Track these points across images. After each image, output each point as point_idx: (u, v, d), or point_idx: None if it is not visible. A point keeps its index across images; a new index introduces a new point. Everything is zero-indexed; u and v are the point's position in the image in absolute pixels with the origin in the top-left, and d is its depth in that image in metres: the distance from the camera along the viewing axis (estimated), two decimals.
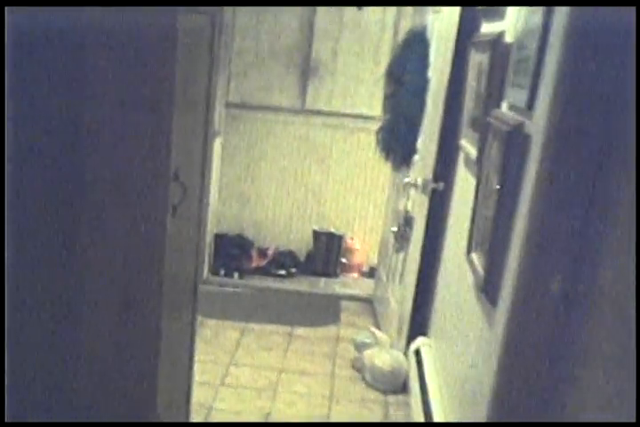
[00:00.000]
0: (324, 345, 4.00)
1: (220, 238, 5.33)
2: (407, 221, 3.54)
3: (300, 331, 4.18)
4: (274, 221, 5.52)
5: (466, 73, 3.18)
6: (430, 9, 3.71)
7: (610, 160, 1.79)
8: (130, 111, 1.97)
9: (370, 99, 5.30)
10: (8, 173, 1.92)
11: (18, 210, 1.99)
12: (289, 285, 5.08)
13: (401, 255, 3.74)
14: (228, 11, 4.94)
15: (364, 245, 5.46)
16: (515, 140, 2.15)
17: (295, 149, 5.38)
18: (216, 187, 5.20)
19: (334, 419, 3.25)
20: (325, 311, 4.55)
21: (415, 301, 3.58)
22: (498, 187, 2.25)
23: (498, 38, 2.61)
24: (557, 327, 1.94)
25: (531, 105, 2.11)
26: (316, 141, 5.37)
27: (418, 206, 3.48)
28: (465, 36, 3.32)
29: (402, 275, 3.74)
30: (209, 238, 5.02)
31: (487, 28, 3.07)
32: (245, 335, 4.05)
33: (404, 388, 3.53)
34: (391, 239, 3.91)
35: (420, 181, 3.44)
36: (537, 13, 2.17)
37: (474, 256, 2.58)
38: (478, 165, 2.65)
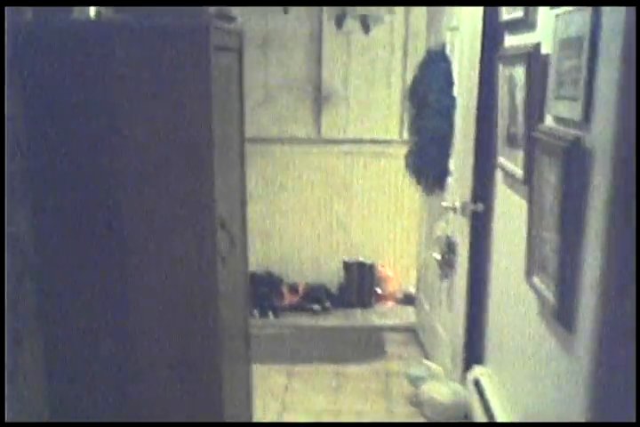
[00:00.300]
0: (376, 382, 3.84)
1: (249, 278, 5.19)
2: (450, 247, 3.40)
3: (347, 368, 4.02)
4: (301, 255, 5.39)
5: (495, 89, 3.06)
6: (446, 27, 3.61)
7: None
8: (170, 158, 1.87)
9: (385, 122, 5.21)
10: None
11: (71, 265, 1.91)
12: (326, 320, 4.93)
13: (446, 282, 3.59)
14: None
15: (395, 271, 5.32)
16: (574, 156, 2.02)
17: (315, 179, 5.26)
18: None
19: None
20: (369, 345, 4.40)
21: (467, 329, 3.43)
22: (559, 207, 2.11)
23: (534, 50, 2.49)
24: None
25: (587, 117, 1.98)
26: (335, 170, 5.25)
27: (459, 230, 3.34)
28: (488, 52, 3.21)
29: (449, 302, 3.60)
30: None
31: (513, 40, 2.96)
32: (292, 378, 3.90)
33: (465, 420, 3.36)
34: (434, 267, 3.76)
35: (458, 203, 3.31)
36: (578, 22, 2.06)
37: (536, 280, 2.44)
38: (528, 185, 2.52)
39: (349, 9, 4.98)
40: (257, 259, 5.31)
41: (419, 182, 3.76)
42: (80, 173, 1.89)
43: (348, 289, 5.26)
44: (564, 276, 2.13)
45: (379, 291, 5.27)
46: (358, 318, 4.99)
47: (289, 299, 5.20)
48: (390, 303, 5.28)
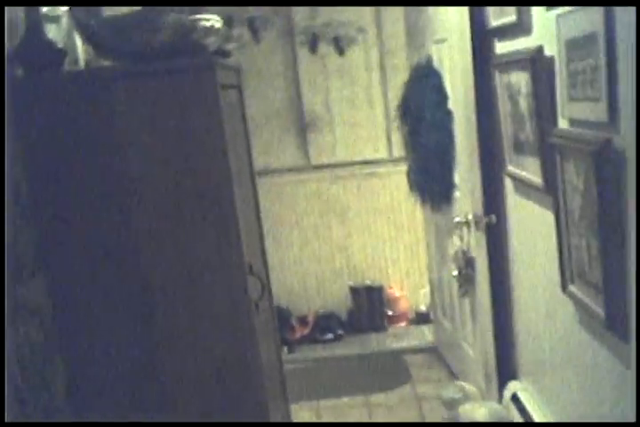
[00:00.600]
0: (408, 408, 3.73)
1: None
2: (467, 263, 3.31)
3: (375, 398, 3.90)
4: (306, 285, 5.28)
5: (494, 97, 3.00)
6: (431, 40, 3.55)
7: None
8: (189, 203, 1.77)
9: (373, 142, 5.15)
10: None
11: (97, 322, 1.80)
12: (341, 348, 4.81)
13: (467, 299, 3.50)
14: None
15: (404, 291, 5.22)
16: (605, 159, 1.94)
17: (310, 206, 5.17)
18: None
19: None
20: (392, 370, 4.28)
21: (497, 344, 3.33)
22: (596, 212, 2.02)
23: (536, 54, 2.42)
24: None
25: (614, 118, 1.91)
26: (329, 195, 5.17)
27: (475, 245, 3.25)
28: (479, 61, 3.15)
29: (473, 319, 3.50)
30: None
31: (506, 47, 2.89)
32: (323, 414, 3.78)
33: None
34: (449, 284, 3.67)
35: (470, 217, 3.22)
36: (587, 20, 1.99)
37: (575, 290, 2.35)
38: (550, 192, 2.43)
39: (321, 32, 4.93)
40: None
41: (424, 200, 3.68)
42: (98, 227, 1.79)
43: (359, 314, 5.15)
44: (610, 283, 2.04)
45: (390, 313, 5.16)
46: (373, 343, 4.88)
47: (300, 331, 5.08)
48: (403, 324, 5.17)
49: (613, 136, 1.92)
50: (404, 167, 4.02)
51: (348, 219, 5.19)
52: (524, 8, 2.59)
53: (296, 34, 4.95)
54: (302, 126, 5.07)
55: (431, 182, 3.50)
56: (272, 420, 2.13)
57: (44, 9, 2.03)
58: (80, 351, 1.91)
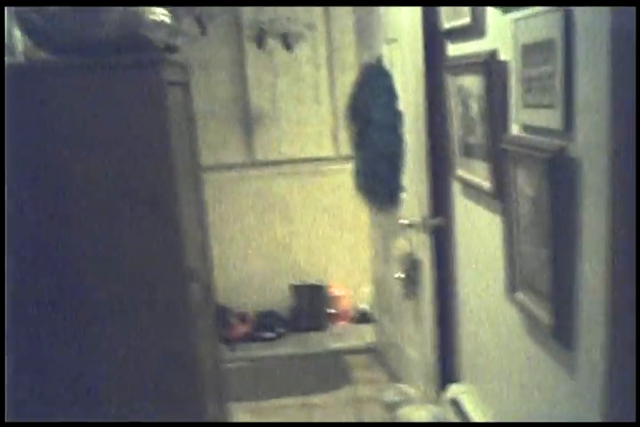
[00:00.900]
0: (347, 411, 3.69)
1: None
2: (413, 265, 3.28)
3: (315, 399, 3.86)
4: (248, 283, 5.20)
5: (445, 100, 2.97)
6: (382, 39, 3.51)
7: None
8: (130, 202, 1.69)
9: (319, 140, 5.10)
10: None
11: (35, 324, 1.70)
12: (281, 347, 4.75)
13: (411, 301, 3.48)
14: None
15: (345, 290, 5.19)
16: (558, 167, 1.92)
17: (254, 203, 5.10)
18: None
19: None
20: (332, 371, 4.25)
21: (439, 348, 3.32)
22: (547, 220, 2.01)
23: (490, 58, 2.40)
24: None
25: (569, 126, 1.89)
26: (273, 192, 5.10)
27: (421, 247, 3.23)
28: (430, 62, 3.13)
29: (416, 321, 3.48)
30: None
31: (459, 49, 2.87)
32: (259, 415, 3.72)
33: None
34: (392, 285, 3.64)
35: (417, 219, 3.20)
36: (545, 25, 1.97)
37: (521, 297, 2.34)
38: (500, 198, 2.42)
39: (269, 28, 4.86)
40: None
41: (370, 200, 3.64)
42: (33, 227, 1.69)
43: (300, 313, 5.11)
44: (558, 291, 2.02)
45: (331, 311, 5.13)
46: (314, 342, 4.83)
47: (239, 329, 5.01)
48: (344, 323, 5.15)
49: (568, 144, 1.91)
50: (349, 166, 3.99)
51: (292, 217, 5.14)
52: (479, 10, 2.57)
53: (244, 29, 4.86)
54: (248, 122, 4.99)
55: (378, 183, 3.47)
56: (209, 420, 2.07)
57: None
58: (18, 353, 1.82)
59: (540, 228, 2.09)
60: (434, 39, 3.12)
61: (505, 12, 2.31)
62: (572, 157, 1.89)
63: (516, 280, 2.38)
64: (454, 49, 2.94)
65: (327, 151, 5.07)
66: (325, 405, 3.79)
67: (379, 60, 3.51)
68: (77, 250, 1.69)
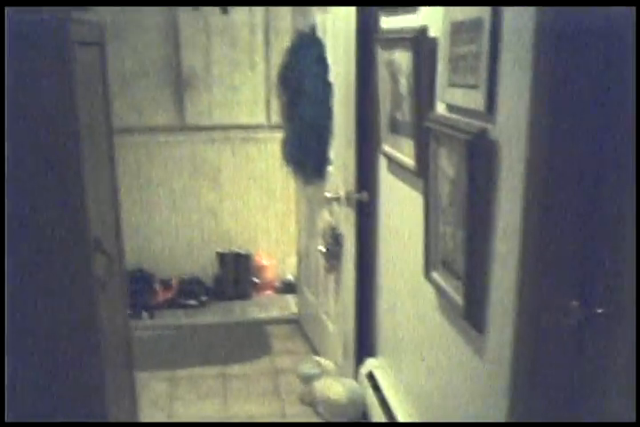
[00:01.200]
0: (265, 381, 3.68)
1: None
2: (335, 239, 3.26)
3: (233, 369, 3.84)
4: (173, 249, 5.11)
5: (375, 73, 2.93)
6: (315, 8, 3.43)
7: (609, 162, 1.57)
8: (33, 168, 1.60)
9: (252, 107, 4.99)
10: None
11: None
12: (204, 315, 4.70)
13: (333, 275, 3.46)
14: None
15: (272, 260, 5.15)
16: (478, 149, 1.90)
17: (182, 168, 4.98)
18: None
19: None
20: (253, 341, 4.22)
21: (357, 322, 3.32)
22: (464, 201, 2.00)
23: (421, 34, 2.36)
24: (573, 356, 1.72)
25: (490, 107, 1.87)
26: (203, 158, 5.00)
27: (344, 221, 3.20)
28: (364, 33, 3.07)
29: (336, 294, 3.47)
30: None
31: (392, 22, 2.82)
32: (176, 385, 3.68)
33: (363, 416, 3.26)
34: (316, 257, 3.62)
35: (342, 193, 3.17)
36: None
37: (436, 276, 2.34)
38: (423, 177, 2.40)
39: None
40: (126, 255, 5.00)
41: (297, 171, 3.59)
42: None
43: (225, 281, 5.05)
44: (471, 274, 2.02)
45: (256, 281, 5.09)
46: (237, 311, 4.79)
47: (163, 295, 4.93)
48: (269, 293, 5.11)
49: (489, 126, 1.89)
50: (281, 134, 3.92)
51: (221, 184, 5.05)
52: None
53: None
54: (179, 85, 4.86)
55: (305, 155, 3.42)
56: (113, 389, 2.01)
57: None
58: None
59: (458, 209, 2.08)
60: (368, 11, 3.06)
61: None
62: (491, 140, 1.87)
63: (433, 259, 2.38)
64: (387, 22, 2.89)
65: (259, 119, 4.98)
66: (243, 375, 3.77)
67: (312, 29, 3.44)
68: None
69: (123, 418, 2.45)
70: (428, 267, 2.41)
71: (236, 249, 5.07)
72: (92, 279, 1.70)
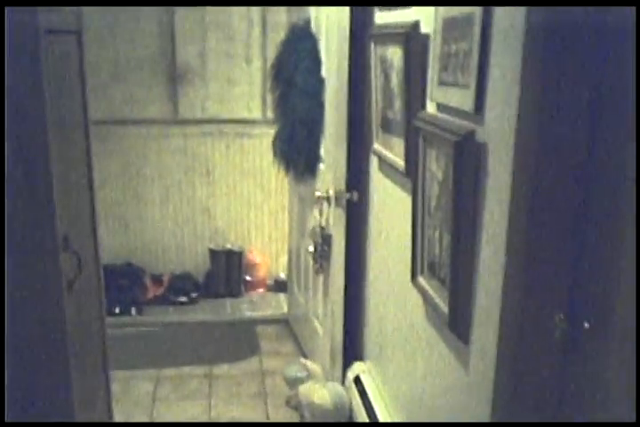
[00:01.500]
0: (250, 383, 3.60)
1: (107, 271, 4.77)
2: (324, 239, 3.17)
3: (219, 369, 3.76)
4: (164, 244, 5.03)
5: (368, 69, 2.84)
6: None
7: (599, 167, 1.48)
8: None
9: (247, 101, 4.90)
10: None
11: None
12: (194, 313, 4.62)
13: (321, 276, 3.38)
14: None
15: (264, 257, 5.07)
16: (465, 151, 1.82)
17: (175, 162, 4.90)
18: None
19: None
20: (241, 341, 4.14)
21: (345, 324, 3.23)
22: (450, 204, 1.91)
23: (412, 30, 2.27)
24: (558, 371, 1.63)
25: (479, 108, 1.78)
26: (196, 153, 4.91)
27: (334, 222, 3.12)
28: (359, 28, 2.98)
29: (325, 296, 3.39)
30: None
31: (386, 17, 2.73)
32: (160, 385, 3.60)
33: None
34: (307, 257, 3.53)
35: (332, 192, 3.08)
36: None
37: (422, 282, 2.25)
38: (411, 178, 2.31)
39: None
40: (116, 250, 4.93)
41: (287, 169, 3.50)
42: None
43: (216, 278, 4.97)
44: (456, 281, 1.94)
45: (248, 278, 5.01)
46: (228, 308, 4.71)
47: (153, 291, 4.86)
48: (261, 291, 5.03)
49: (477, 128, 1.80)
50: None
51: (214, 179, 4.97)
52: None
53: None
54: (173, 77, 4.77)
55: (296, 151, 3.33)
56: (84, 391, 1.94)
57: None
58: None
59: (444, 212, 1.99)
60: (363, 5, 2.97)
61: None
62: (479, 142, 1.79)
63: (419, 264, 2.29)
64: (382, 17, 2.80)
65: (254, 113, 4.89)
66: (229, 376, 3.69)
67: (307, 22, 3.35)
68: None
69: (96, 419, 2.37)
70: (415, 271, 2.33)
71: (228, 246, 4.99)
72: (58, 279, 1.61)
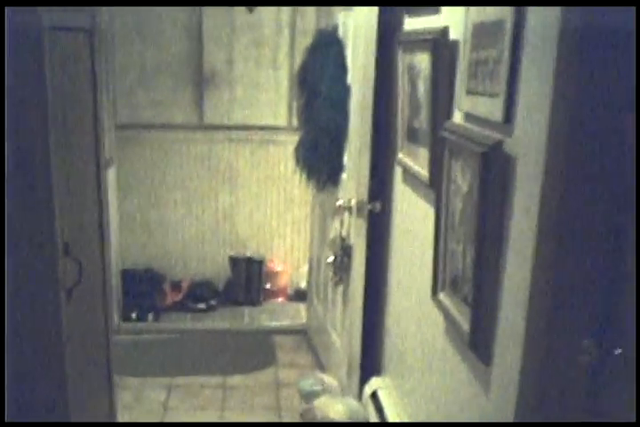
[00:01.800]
0: (265, 395, 3.52)
1: (127, 276, 4.74)
2: (344, 250, 3.09)
3: (233, 380, 3.68)
4: (185, 251, 4.98)
5: (395, 77, 2.76)
6: (339, 6, 3.27)
7: (636, 183, 1.38)
8: None
9: (274, 107, 4.85)
10: None
11: None
12: (211, 321, 4.56)
13: (340, 287, 3.29)
14: (102, 22, 4.36)
15: (285, 266, 5.00)
16: (492, 163, 1.73)
17: (199, 168, 4.85)
18: (116, 219, 4.62)
19: None
20: (258, 351, 4.06)
21: (364, 338, 3.14)
22: (475, 218, 1.82)
23: (441, 36, 2.18)
24: (584, 399, 1.53)
25: (509, 118, 1.69)
26: (220, 159, 4.86)
27: (355, 232, 3.03)
28: (387, 35, 2.90)
29: (344, 308, 3.30)
30: (115, 278, 4.43)
31: (414, 23, 2.65)
32: (173, 394, 3.53)
33: None
34: (328, 271, 3.45)
35: (354, 202, 3.00)
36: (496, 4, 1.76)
37: (444, 298, 2.16)
38: (435, 189, 2.22)
39: None
40: (137, 255, 4.88)
41: (310, 178, 3.43)
42: None
43: (236, 286, 4.91)
44: (479, 299, 1.85)
45: (268, 287, 4.94)
46: (246, 317, 4.64)
47: (171, 297, 4.80)
48: (281, 300, 4.96)
49: (505, 138, 1.71)
50: None
51: (238, 186, 4.91)
52: None
53: None
54: (200, 82, 4.72)
55: (319, 161, 3.25)
56: (83, 397, 1.87)
57: None
58: None
59: (469, 226, 1.90)
60: (392, 11, 2.89)
61: None
62: (507, 154, 1.70)
63: (441, 279, 2.20)
64: (411, 23, 2.72)
65: (280, 120, 4.83)
66: (244, 387, 3.61)
67: (334, 28, 3.28)
68: None
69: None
70: (436, 287, 2.23)
71: (248, 254, 4.93)
72: (57, 285, 1.55)
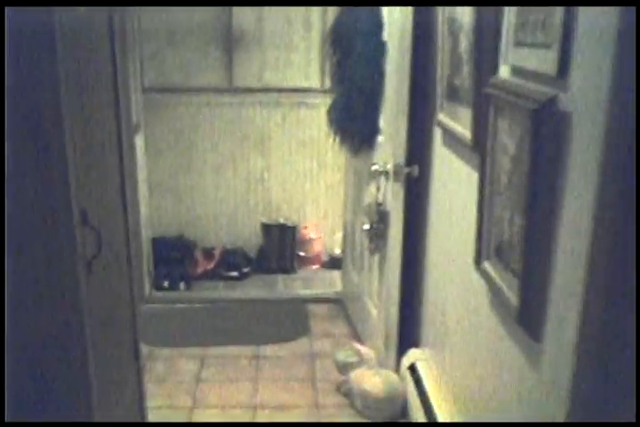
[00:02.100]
0: (300, 366, 3.41)
1: (158, 243, 4.65)
2: (381, 217, 2.94)
3: (267, 350, 3.58)
4: (216, 217, 4.88)
5: (434, 32, 2.58)
6: None
7: None
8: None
9: (305, 69, 4.68)
10: None
11: None
12: (244, 289, 4.46)
13: (377, 255, 3.15)
14: None
15: (319, 232, 4.87)
16: (545, 122, 1.56)
17: (229, 132, 4.72)
18: (145, 186, 4.52)
19: None
20: (292, 320, 3.96)
21: (401, 309, 3.01)
22: (525, 182, 1.66)
23: None
24: None
25: (564, 71, 1.52)
26: (251, 122, 4.72)
27: (392, 198, 2.89)
28: None
29: (380, 276, 3.17)
30: (145, 246, 4.34)
31: None
32: (205, 365, 3.44)
33: (402, 413, 2.97)
34: (363, 238, 3.31)
35: (390, 167, 2.84)
36: None
37: (489, 268, 2.01)
38: (479, 152, 2.06)
39: None
40: (168, 222, 4.79)
41: (343, 141, 3.27)
42: None
43: (269, 253, 4.81)
44: (529, 270, 1.70)
45: (302, 254, 4.83)
46: (280, 285, 4.54)
47: (203, 265, 4.71)
48: (315, 267, 4.85)
49: (560, 93, 1.54)
50: None
51: (269, 150, 4.77)
52: None
53: None
54: (229, 43, 4.56)
55: (353, 123, 3.09)
56: (100, 374, 1.77)
57: None
58: None
59: (518, 191, 1.74)
60: None
61: None
62: (562, 110, 1.53)
63: (485, 248, 2.05)
64: None
65: (312, 82, 4.66)
66: (277, 357, 3.51)
67: None
68: None
69: (126, 404, 2.21)
70: (480, 256, 2.09)
71: (281, 220, 4.81)
72: (75, 256, 1.43)
